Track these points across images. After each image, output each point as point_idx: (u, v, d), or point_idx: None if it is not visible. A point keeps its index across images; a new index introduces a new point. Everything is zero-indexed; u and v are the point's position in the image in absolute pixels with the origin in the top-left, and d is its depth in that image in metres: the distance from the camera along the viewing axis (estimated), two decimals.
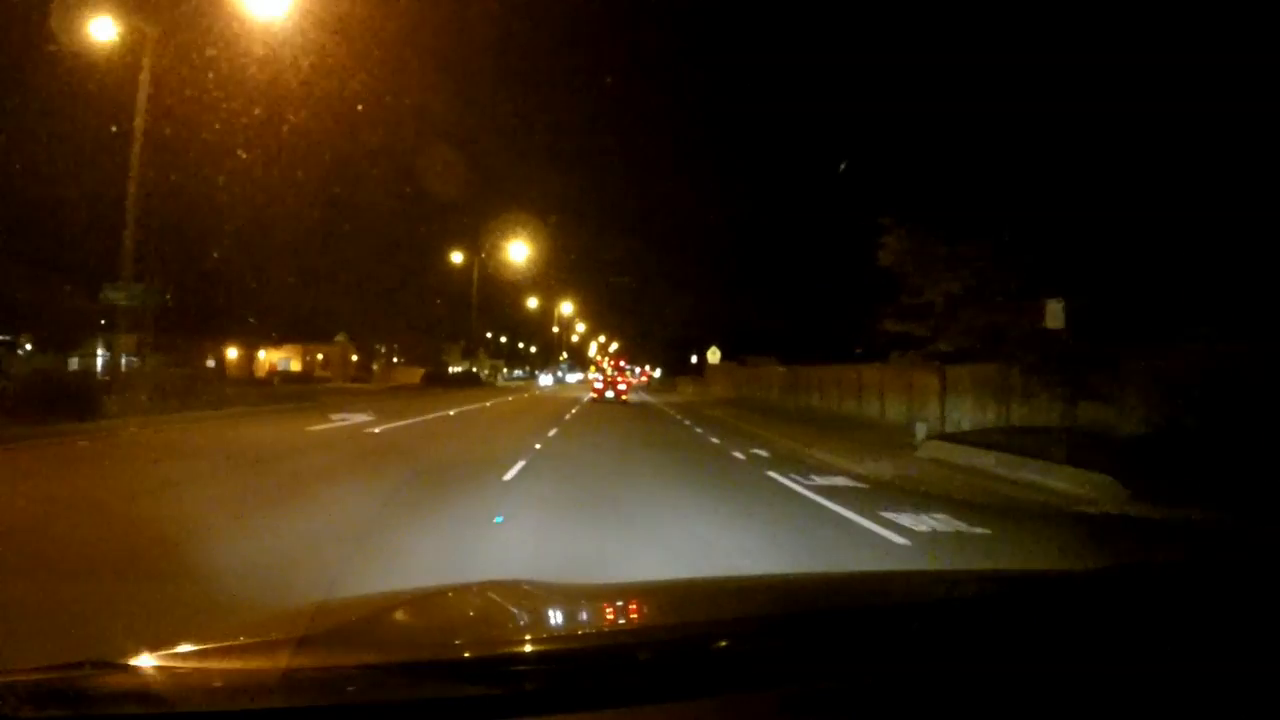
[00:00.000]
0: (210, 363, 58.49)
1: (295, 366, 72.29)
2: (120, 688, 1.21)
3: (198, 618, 4.08)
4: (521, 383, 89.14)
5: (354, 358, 77.55)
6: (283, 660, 1.24)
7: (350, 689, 1.20)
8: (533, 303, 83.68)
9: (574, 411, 29.81)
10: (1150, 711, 1.22)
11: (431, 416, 23.28)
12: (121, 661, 1.25)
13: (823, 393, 29.85)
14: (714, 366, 53.56)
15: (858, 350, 40.81)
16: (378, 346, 79.90)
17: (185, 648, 1.36)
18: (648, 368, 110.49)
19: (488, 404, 33.27)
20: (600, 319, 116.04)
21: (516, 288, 75.61)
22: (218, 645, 1.43)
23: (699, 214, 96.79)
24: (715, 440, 19.12)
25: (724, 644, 1.40)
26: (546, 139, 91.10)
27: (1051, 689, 1.23)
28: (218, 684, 1.24)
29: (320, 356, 76.00)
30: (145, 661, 1.27)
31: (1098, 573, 2.55)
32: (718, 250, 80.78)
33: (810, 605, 1.96)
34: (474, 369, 70.13)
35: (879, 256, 19.17)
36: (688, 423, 25.73)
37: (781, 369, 35.97)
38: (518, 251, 57.83)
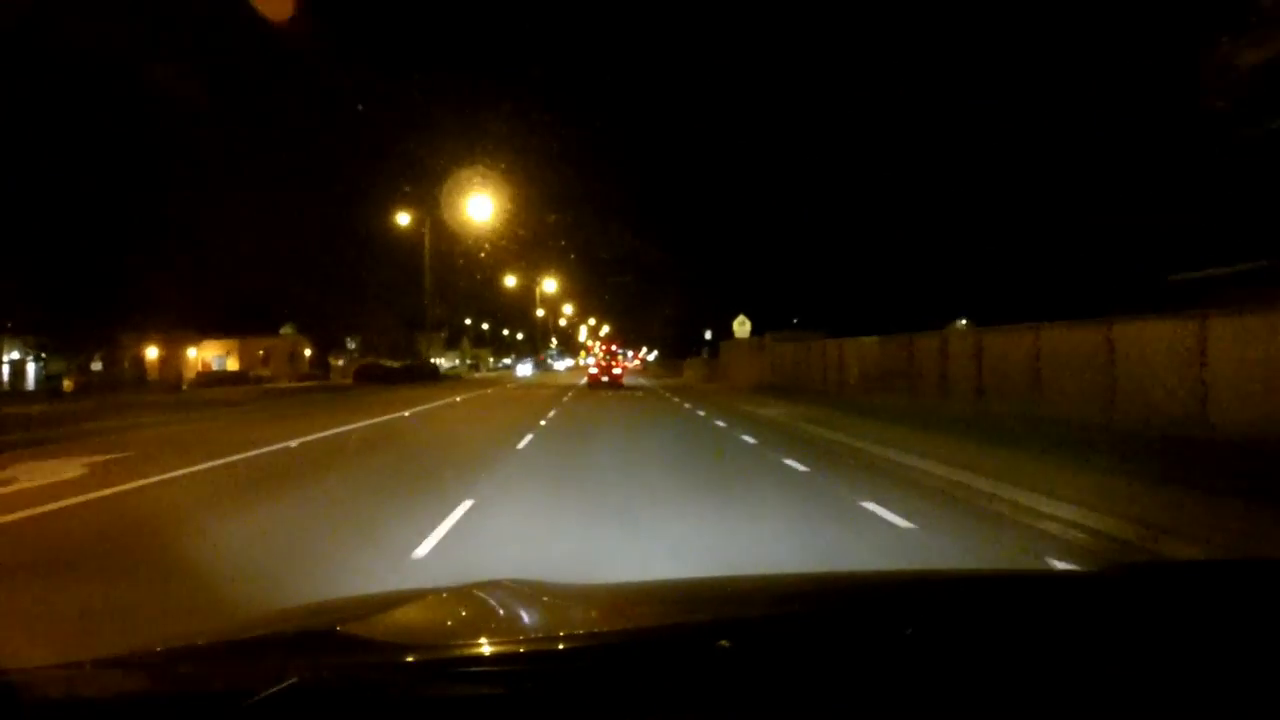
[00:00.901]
0: (96, 365, 47.19)
1: (232, 364, 62.78)
2: (120, 688, 1.22)
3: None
4: (503, 373, 77.65)
5: (307, 352, 68.21)
6: (279, 660, 1.21)
7: (347, 689, 1.17)
8: (511, 281, 71.80)
9: (548, 420, 17.78)
10: (1150, 712, 1.16)
11: (222, 463, 10.92)
12: (121, 662, 1.30)
13: (986, 381, 16.96)
14: (734, 344, 40.58)
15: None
16: (345, 339, 70.56)
17: (183, 648, 1.39)
18: (643, 350, 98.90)
19: (406, 414, 20.69)
20: (590, 297, 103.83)
21: (497, 268, 64.69)
22: (216, 645, 1.46)
23: (707, 162, 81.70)
24: (901, 522, 7.17)
25: (723, 644, 1.30)
26: (531, 87, 77.19)
27: (1052, 689, 1.19)
28: (216, 684, 1.21)
29: (261, 352, 66.37)
30: (144, 661, 1.32)
31: (1099, 573, 2.63)
32: (732, 199, 66.08)
33: (810, 606, 1.83)
34: (431, 359, 59.15)
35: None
36: (750, 439, 13.66)
37: (870, 340, 23.13)
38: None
